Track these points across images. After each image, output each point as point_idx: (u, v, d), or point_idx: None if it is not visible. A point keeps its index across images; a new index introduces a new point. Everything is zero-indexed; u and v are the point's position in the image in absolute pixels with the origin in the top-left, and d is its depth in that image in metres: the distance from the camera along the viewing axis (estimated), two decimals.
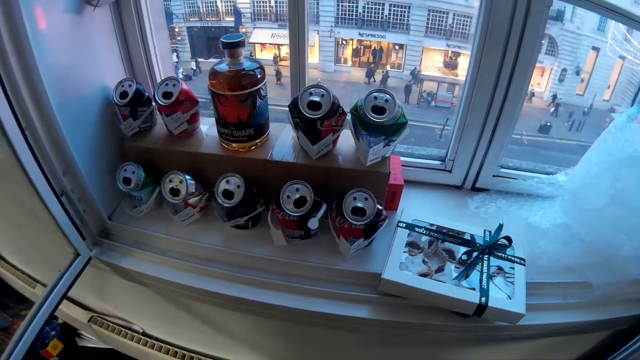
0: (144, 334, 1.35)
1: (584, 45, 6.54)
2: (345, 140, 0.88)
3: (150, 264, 0.94)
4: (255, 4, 7.39)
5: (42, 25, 0.72)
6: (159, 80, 1.00)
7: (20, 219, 0.92)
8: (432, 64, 7.54)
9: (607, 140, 0.89)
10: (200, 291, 0.91)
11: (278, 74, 6.85)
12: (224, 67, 0.81)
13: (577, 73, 6.78)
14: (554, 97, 6.69)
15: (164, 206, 0.96)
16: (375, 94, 0.78)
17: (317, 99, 0.79)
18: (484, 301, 0.75)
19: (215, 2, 7.53)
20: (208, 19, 7.66)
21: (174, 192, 0.89)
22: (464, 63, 7.29)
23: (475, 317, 0.78)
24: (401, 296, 0.82)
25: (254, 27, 7.54)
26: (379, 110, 0.77)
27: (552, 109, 6.71)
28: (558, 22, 6.34)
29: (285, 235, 0.88)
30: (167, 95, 0.87)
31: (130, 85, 0.89)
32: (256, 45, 7.60)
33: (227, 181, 0.86)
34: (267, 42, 7.66)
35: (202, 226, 0.96)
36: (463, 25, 7.04)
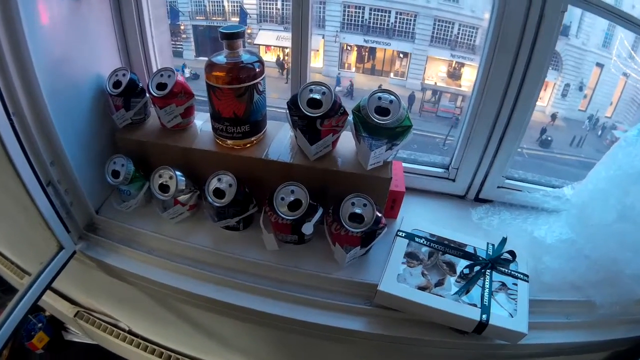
0: (130, 332, 1.33)
1: (588, 61, 6.59)
2: (346, 142, 0.85)
3: (136, 262, 0.91)
4: (262, 5, 7.43)
5: (44, 20, 0.71)
6: None
7: (10, 208, 0.89)
8: (435, 74, 7.57)
9: (617, 155, 0.86)
10: (186, 293, 0.87)
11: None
12: (221, 58, 0.77)
13: (580, 89, 6.82)
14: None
15: (154, 202, 0.93)
16: (380, 94, 0.74)
17: (317, 96, 0.75)
18: (485, 319, 0.71)
19: (222, 1, 7.58)
20: (214, 18, 7.70)
21: (164, 188, 0.85)
22: (467, 74, 7.32)
23: (474, 334, 0.74)
24: (397, 309, 0.78)
25: (260, 29, 7.57)
26: (382, 111, 0.73)
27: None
28: (563, 36, 6.37)
29: (277, 239, 0.85)
30: (161, 86, 0.84)
31: (124, 75, 0.86)
32: (261, 46, 7.63)
33: (219, 179, 0.82)
34: (272, 45, 7.68)
35: (191, 225, 0.92)
36: (468, 36, 7.08)
